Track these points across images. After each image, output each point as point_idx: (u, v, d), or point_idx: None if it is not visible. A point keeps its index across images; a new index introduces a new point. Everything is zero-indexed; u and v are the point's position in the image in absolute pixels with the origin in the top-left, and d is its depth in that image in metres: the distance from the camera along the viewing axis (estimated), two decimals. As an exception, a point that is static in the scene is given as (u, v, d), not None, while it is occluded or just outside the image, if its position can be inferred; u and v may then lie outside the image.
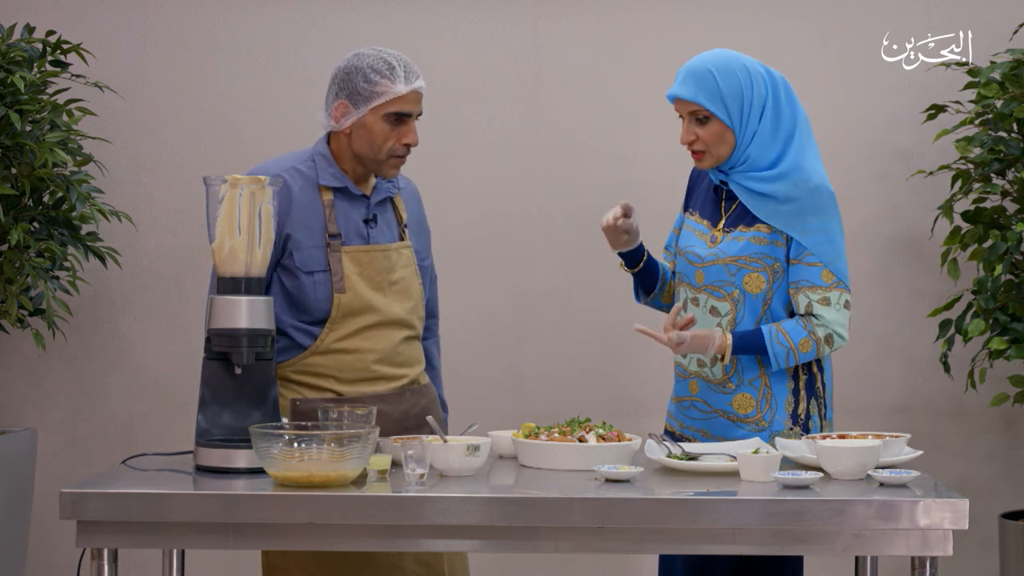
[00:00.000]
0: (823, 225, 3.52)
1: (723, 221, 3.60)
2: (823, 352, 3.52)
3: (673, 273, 3.75)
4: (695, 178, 3.74)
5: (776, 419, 3.55)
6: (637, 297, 3.79)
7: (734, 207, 3.59)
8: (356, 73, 3.55)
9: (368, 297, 3.58)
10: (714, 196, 3.64)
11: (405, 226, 3.72)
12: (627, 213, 3.60)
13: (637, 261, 3.69)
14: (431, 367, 3.85)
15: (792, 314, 3.57)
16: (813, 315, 3.50)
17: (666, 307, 3.77)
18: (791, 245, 3.54)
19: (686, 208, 3.73)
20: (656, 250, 3.82)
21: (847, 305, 3.52)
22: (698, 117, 3.52)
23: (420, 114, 3.59)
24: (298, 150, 3.68)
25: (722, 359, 3.51)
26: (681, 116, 3.57)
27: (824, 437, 3.38)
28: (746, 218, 3.56)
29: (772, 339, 3.49)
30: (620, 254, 3.69)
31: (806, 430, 3.58)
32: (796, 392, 3.58)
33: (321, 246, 3.56)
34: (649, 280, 3.73)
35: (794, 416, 3.57)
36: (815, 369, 3.60)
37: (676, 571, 3.67)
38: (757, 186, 3.53)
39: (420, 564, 3.57)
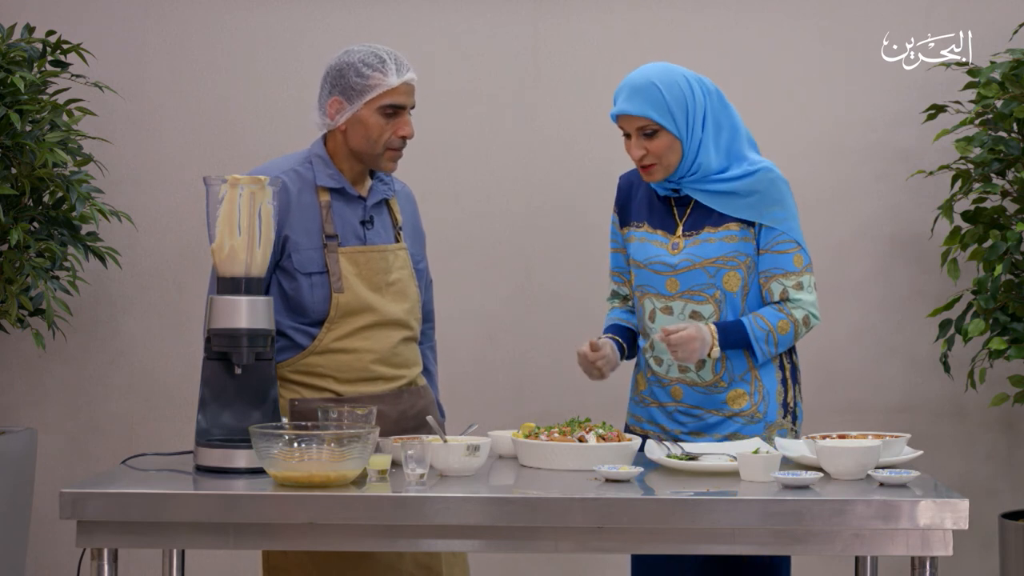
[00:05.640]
0: (786, 213, 3.58)
1: (680, 227, 3.62)
2: (800, 333, 3.58)
3: (626, 298, 3.79)
4: (625, 193, 3.74)
5: (770, 410, 3.61)
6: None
7: (688, 211, 3.62)
8: (348, 68, 3.56)
9: (366, 297, 3.58)
10: (662, 205, 3.65)
11: (400, 228, 3.72)
12: (595, 348, 3.64)
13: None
14: (427, 372, 3.84)
15: (765, 302, 3.60)
16: (788, 300, 3.57)
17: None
18: (760, 235, 3.58)
19: (627, 223, 3.71)
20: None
21: (815, 287, 3.61)
22: (646, 132, 3.54)
23: (413, 106, 3.61)
24: (295, 152, 3.68)
25: (710, 355, 3.53)
26: (627, 134, 3.57)
27: (824, 437, 3.38)
28: (711, 219, 3.59)
29: (752, 326, 3.53)
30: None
31: (794, 417, 3.64)
32: (784, 382, 3.64)
33: (318, 247, 3.56)
34: (632, 351, 3.77)
35: (784, 405, 3.62)
36: (794, 358, 3.67)
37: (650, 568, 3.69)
38: (717, 187, 3.58)
39: (418, 567, 3.56)
